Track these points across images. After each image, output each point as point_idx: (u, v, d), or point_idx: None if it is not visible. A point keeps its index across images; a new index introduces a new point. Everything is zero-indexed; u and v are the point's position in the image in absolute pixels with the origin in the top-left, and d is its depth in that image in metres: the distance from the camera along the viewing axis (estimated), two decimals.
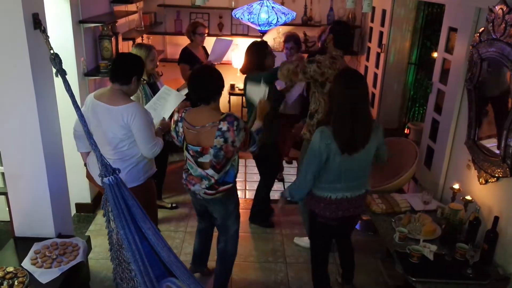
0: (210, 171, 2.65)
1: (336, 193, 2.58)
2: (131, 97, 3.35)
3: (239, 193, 4.31)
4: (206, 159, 2.63)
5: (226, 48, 4.52)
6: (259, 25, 4.36)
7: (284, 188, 4.73)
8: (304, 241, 3.69)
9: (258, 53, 3.62)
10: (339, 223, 2.70)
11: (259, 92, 2.96)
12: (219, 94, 2.67)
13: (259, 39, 3.95)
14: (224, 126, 2.54)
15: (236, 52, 5.69)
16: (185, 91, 3.66)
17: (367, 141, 2.49)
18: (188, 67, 4.40)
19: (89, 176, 2.93)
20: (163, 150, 3.36)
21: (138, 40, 5.08)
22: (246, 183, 4.88)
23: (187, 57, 4.53)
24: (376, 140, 2.56)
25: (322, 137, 2.45)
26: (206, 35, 4.70)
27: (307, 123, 3.37)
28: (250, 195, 4.54)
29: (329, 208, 2.62)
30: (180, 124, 2.68)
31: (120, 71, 2.72)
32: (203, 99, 2.62)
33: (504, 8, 2.47)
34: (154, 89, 3.63)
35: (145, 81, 3.52)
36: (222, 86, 2.66)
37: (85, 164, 2.97)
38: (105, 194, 2.32)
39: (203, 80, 2.62)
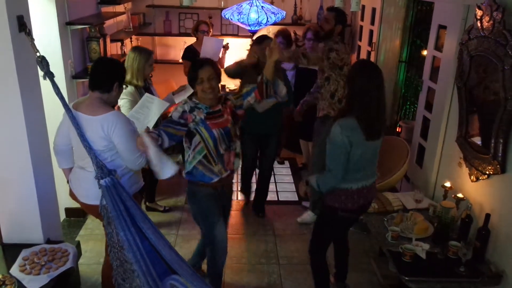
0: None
1: (357, 183, 2.57)
2: (127, 102, 3.37)
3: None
4: None
5: (217, 47, 4.51)
6: (249, 25, 4.35)
7: (276, 186, 4.71)
8: (308, 216, 3.95)
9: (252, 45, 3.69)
10: (358, 213, 2.74)
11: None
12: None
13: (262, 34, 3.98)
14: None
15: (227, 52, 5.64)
16: (182, 95, 3.57)
17: (384, 127, 2.59)
18: (189, 63, 4.42)
19: (72, 194, 2.70)
20: None
21: (127, 41, 5.04)
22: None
23: (190, 54, 4.63)
24: None
25: (342, 130, 2.44)
26: (208, 33, 4.75)
27: (329, 102, 3.64)
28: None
29: (351, 200, 2.59)
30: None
31: (99, 78, 2.51)
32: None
33: (492, 5, 2.47)
34: (149, 94, 3.58)
35: (126, 87, 3.38)
36: None
37: (68, 181, 2.76)
38: (102, 196, 2.29)
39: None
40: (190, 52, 4.67)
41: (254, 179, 4.33)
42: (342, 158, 2.47)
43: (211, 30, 4.84)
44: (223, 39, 4.67)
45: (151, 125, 3.05)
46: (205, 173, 2.67)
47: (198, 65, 2.59)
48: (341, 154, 2.46)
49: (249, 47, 3.87)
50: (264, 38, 3.71)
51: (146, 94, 3.21)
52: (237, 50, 5.39)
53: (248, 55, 3.75)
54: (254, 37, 3.89)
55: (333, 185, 2.57)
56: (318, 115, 3.78)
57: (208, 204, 2.75)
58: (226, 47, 4.87)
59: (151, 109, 3.08)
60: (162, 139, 2.43)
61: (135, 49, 3.55)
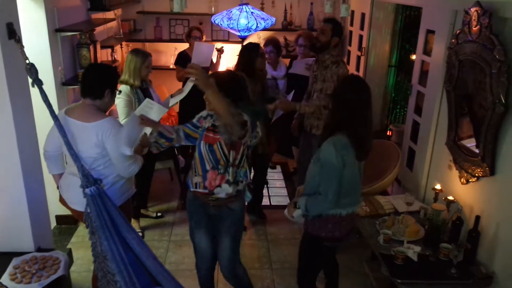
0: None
1: (346, 209, 2.42)
2: (123, 101, 3.40)
3: None
4: None
5: (208, 53, 4.52)
6: (239, 31, 4.37)
7: (268, 191, 4.72)
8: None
9: (249, 54, 3.63)
10: (344, 241, 2.55)
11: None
12: None
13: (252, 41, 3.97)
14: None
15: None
16: (177, 98, 3.63)
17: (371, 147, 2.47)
18: (180, 68, 4.63)
19: (62, 200, 2.71)
20: (149, 159, 3.28)
21: (117, 48, 5.04)
22: None
23: (182, 59, 4.65)
24: None
25: (337, 149, 2.29)
26: (201, 39, 4.77)
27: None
28: None
29: (339, 227, 2.45)
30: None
31: (91, 85, 2.51)
32: None
33: (479, 10, 2.51)
34: (147, 95, 3.62)
35: (119, 92, 3.41)
36: None
37: (58, 187, 2.76)
38: (86, 205, 2.28)
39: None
40: (183, 58, 4.69)
41: None
42: (336, 179, 2.32)
43: (204, 36, 4.85)
44: (214, 45, 4.68)
45: (148, 131, 3.04)
46: (190, 178, 2.63)
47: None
48: (335, 174, 2.32)
49: (238, 54, 3.86)
50: (257, 47, 3.72)
51: (147, 99, 3.22)
52: (228, 55, 5.40)
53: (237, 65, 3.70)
54: (245, 43, 3.89)
55: (324, 210, 2.40)
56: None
57: (190, 209, 2.72)
58: (221, 51, 4.91)
59: (150, 114, 3.04)
60: (178, 136, 2.56)
61: (133, 51, 3.66)
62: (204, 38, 4.88)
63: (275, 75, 4.64)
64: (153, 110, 3.14)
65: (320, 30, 3.56)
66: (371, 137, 2.47)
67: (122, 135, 2.49)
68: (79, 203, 2.55)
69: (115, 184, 2.61)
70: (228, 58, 5.46)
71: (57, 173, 2.74)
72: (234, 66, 3.82)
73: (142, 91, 3.60)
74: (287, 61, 4.99)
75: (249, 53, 3.64)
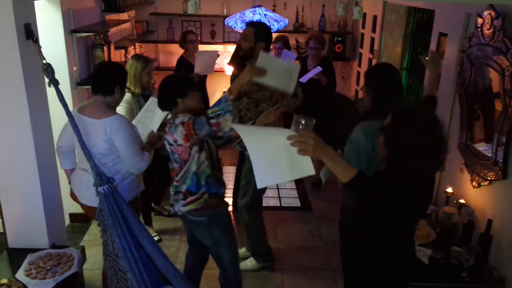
0: (176, 177, 2.52)
1: None
2: (124, 109, 3.34)
3: None
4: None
5: (211, 60, 4.48)
6: None
7: (278, 192, 4.72)
8: (249, 263, 3.48)
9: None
10: None
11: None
12: (177, 97, 2.48)
13: None
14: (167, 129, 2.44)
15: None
16: None
17: None
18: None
19: (72, 195, 2.79)
20: (163, 159, 3.28)
21: (131, 49, 5.09)
22: None
23: (182, 65, 4.58)
24: None
25: (366, 133, 2.35)
26: (197, 42, 4.71)
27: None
28: None
29: None
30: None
31: (101, 82, 2.58)
32: (168, 105, 2.52)
33: (492, 14, 2.51)
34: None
35: (129, 90, 3.39)
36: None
37: (69, 182, 2.84)
38: (99, 203, 2.32)
39: (160, 88, 2.53)
40: (182, 63, 4.61)
41: None
42: (364, 162, 2.35)
43: (199, 38, 4.77)
44: (217, 51, 4.62)
45: (155, 128, 3.08)
46: (217, 181, 2.55)
47: None
48: (364, 157, 2.37)
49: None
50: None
51: (151, 98, 3.20)
52: None
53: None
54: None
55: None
56: None
57: (230, 221, 2.67)
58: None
59: (156, 113, 3.08)
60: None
61: (134, 56, 3.59)
62: (199, 40, 4.75)
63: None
64: (158, 108, 3.12)
65: (241, 36, 3.07)
66: None
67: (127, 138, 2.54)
68: (89, 198, 2.60)
69: (124, 180, 2.66)
70: None
71: (69, 168, 2.82)
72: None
73: (145, 98, 3.47)
74: (296, 62, 5.00)
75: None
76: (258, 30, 2.96)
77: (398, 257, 2.04)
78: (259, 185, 1.66)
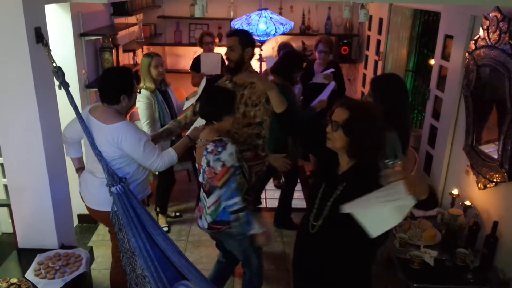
0: (205, 195, 2.53)
1: None
2: (143, 104, 3.50)
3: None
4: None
5: (215, 61, 4.60)
6: (258, 36, 4.41)
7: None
8: None
9: (291, 63, 3.65)
10: None
11: None
12: (224, 113, 2.45)
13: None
14: (210, 147, 2.39)
15: None
16: (193, 99, 3.68)
17: None
18: (195, 73, 4.71)
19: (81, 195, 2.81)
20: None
21: (139, 52, 5.14)
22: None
23: (197, 64, 4.70)
24: None
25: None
26: (213, 43, 4.82)
27: None
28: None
29: None
30: None
31: (106, 92, 2.56)
32: (211, 116, 2.47)
33: (498, 16, 2.51)
34: (165, 96, 3.72)
35: (139, 91, 3.39)
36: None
37: (76, 170, 2.87)
38: (113, 203, 2.35)
39: (211, 96, 2.49)
40: (198, 63, 4.72)
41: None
42: None
43: (216, 41, 4.89)
44: (220, 54, 4.67)
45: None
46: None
47: None
48: None
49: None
50: (301, 58, 3.82)
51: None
52: None
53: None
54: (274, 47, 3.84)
55: None
56: None
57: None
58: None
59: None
60: None
61: (144, 54, 3.74)
62: (217, 43, 4.90)
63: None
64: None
65: (228, 48, 2.93)
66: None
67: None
68: (94, 202, 2.64)
69: (130, 184, 2.63)
70: None
71: (75, 156, 2.85)
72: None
73: (161, 93, 3.70)
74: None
75: (290, 62, 3.65)
76: (241, 37, 2.92)
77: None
78: (374, 235, 1.62)
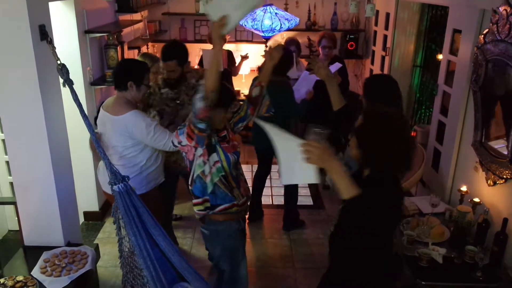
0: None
1: None
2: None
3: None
4: None
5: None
6: (263, 32, 4.39)
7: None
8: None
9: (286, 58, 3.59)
10: None
11: None
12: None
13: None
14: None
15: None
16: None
17: None
18: (202, 70, 4.62)
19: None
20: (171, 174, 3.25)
21: (143, 49, 5.13)
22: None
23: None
24: None
25: None
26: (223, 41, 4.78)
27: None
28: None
29: None
30: None
31: (116, 77, 2.76)
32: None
33: (508, 9, 2.47)
34: None
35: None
36: None
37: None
38: (115, 201, 2.34)
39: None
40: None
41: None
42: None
43: (226, 37, 4.89)
44: (224, 50, 4.68)
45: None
46: (228, 193, 2.46)
47: None
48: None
49: (264, 54, 3.88)
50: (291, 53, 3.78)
51: None
52: (251, 56, 5.43)
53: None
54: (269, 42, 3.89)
55: None
56: None
57: (234, 242, 2.60)
58: (246, 57, 4.99)
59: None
60: None
61: (142, 54, 3.73)
62: (227, 38, 4.91)
63: (297, 75, 4.65)
64: None
65: (167, 72, 3.11)
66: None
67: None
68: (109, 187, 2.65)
69: (143, 172, 2.79)
70: (252, 58, 5.48)
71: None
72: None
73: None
74: (305, 62, 4.99)
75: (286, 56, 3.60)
76: (179, 59, 3.09)
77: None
78: (284, 182, 1.86)
